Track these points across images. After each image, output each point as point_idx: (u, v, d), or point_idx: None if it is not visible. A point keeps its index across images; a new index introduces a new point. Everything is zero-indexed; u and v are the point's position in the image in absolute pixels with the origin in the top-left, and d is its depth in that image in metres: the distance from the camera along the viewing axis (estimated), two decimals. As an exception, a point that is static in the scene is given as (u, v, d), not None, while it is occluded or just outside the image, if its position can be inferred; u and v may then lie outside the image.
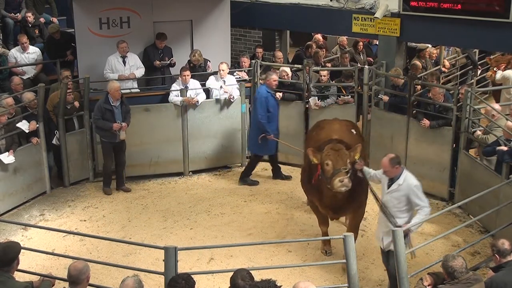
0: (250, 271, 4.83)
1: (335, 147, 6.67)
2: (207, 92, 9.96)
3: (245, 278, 4.63)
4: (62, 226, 8.26)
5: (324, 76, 10.14)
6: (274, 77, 9.29)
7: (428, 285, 5.18)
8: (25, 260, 6.63)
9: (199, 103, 9.70)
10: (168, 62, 10.42)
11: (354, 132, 7.80)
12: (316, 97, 9.98)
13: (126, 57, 10.02)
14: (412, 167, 9.27)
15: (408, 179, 6.22)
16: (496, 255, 5.33)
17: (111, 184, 9.36)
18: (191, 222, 8.45)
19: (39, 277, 5.19)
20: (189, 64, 10.45)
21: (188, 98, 9.56)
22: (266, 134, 9.25)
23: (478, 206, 7.99)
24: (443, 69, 12.56)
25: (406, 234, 5.78)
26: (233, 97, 9.88)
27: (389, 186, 6.25)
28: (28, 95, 8.94)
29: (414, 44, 12.10)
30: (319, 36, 13.17)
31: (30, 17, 11.42)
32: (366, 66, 10.57)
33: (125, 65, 10.02)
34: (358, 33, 10.90)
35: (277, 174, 9.89)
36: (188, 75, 9.66)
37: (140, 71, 10.19)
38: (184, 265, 6.87)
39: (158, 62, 10.33)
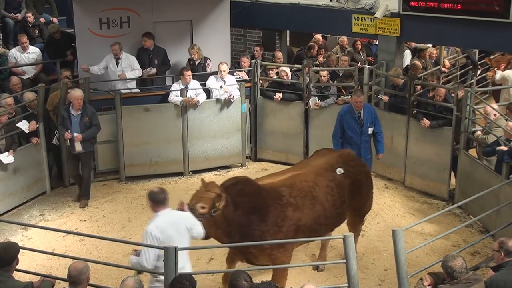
0: (250, 271, 4.83)
1: (207, 187, 5.83)
2: (207, 92, 9.96)
3: (247, 279, 4.64)
4: (62, 226, 8.26)
5: (324, 76, 10.14)
6: (355, 98, 8.26)
7: (428, 285, 5.18)
8: (25, 260, 6.64)
9: (200, 103, 9.70)
10: (149, 71, 10.17)
11: (340, 172, 6.65)
12: (316, 97, 9.98)
13: (120, 58, 9.99)
14: (412, 167, 9.32)
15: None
16: (502, 252, 5.32)
17: (88, 195, 8.98)
18: (191, 222, 8.43)
19: (39, 277, 5.18)
20: (189, 62, 10.45)
21: (188, 98, 9.56)
22: None
23: (478, 206, 7.99)
24: (443, 69, 12.56)
25: None
26: (233, 97, 9.88)
27: None
28: (29, 95, 8.94)
29: (415, 44, 12.13)
30: (319, 36, 13.18)
31: (30, 17, 11.41)
32: (367, 66, 10.58)
33: (117, 67, 10.00)
34: (358, 33, 10.90)
35: None
36: (189, 75, 9.66)
37: (134, 73, 10.10)
38: (184, 265, 6.87)
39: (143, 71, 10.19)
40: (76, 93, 8.46)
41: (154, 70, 10.27)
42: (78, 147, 8.58)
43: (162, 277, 5.01)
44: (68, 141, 8.55)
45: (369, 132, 8.35)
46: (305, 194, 6.26)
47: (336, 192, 6.51)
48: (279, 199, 6.09)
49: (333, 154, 6.96)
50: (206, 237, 5.71)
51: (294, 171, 6.56)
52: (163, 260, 4.85)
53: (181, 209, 5.57)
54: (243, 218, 5.90)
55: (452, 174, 9.05)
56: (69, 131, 8.48)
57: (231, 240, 5.93)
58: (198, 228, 5.47)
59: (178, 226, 5.29)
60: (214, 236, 5.90)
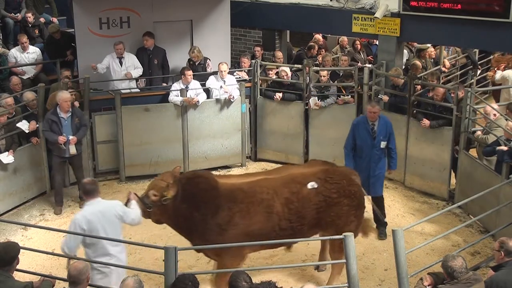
0: (250, 271, 4.84)
1: (162, 176, 6.14)
2: (207, 92, 9.96)
3: (247, 279, 4.64)
4: (62, 226, 8.25)
5: (324, 76, 10.14)
6: (369, 108, 7.89)
7: (428, 285, 5.18)
8: (25, 260, 6.64)
9: (200, 103, 9.70)
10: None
11: (312, 187, 6.32)
12: (316, 97, 9.98)
13: (123, 57, 10.01)
14: (412, 167, 9.32)
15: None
16: (502, 252, 5.32)
17: (62, 202, 8.81)
18: (191, 222, 8.43)
19: (39, 277, 5.18)
20: (189, 62, 10.46)
21: (188, 98, 9.56)
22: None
23: (478, 206, 7.99)
24: (443, 69, 12.56)
25: None
26: (233, 97, 9.88)
27: None
28: (28, 95, 8.93)
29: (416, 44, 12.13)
30: (319, 36, 13.18)
31: (30, 17, 11.42)
32: (367, 65, 10.57)
33: (121, 66, 10.02)
34: (358, 33, 10.90)
35: (376, 218, 8.00)
36: (190, 75, 9.66)
37: (137, 71, 10.17)
38: (184, 265, 6.88)
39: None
40: (65, 95, 8.26)
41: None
42: (73, 149, 8.47)
43: (106, 269, 5.47)
44: (63, 145, 8.35)
45: (381, 146, 7.85)
46: (260, 201, 6.14)
47: (295, 205, 6.21)
48: (231, 202, 6.08)
49: (318, 168, 6.57)
50: (158, 223, 6.23)
51: (265, 176, 6.51)
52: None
53: (129, 198, 5.88)
54: (188, 211, 6.04)
55: (452, 174, 9.05)
56: (63, 134, 8.35)
57: (181, 231, 6.30)
58: (131, 215, 5.68)
59: (106, 214, 5.51)
60: (167, 224, 6.29)
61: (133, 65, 10.12)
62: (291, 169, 6.71)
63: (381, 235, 8.01)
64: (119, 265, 5.55)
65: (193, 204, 6.06)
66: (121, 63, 10.02)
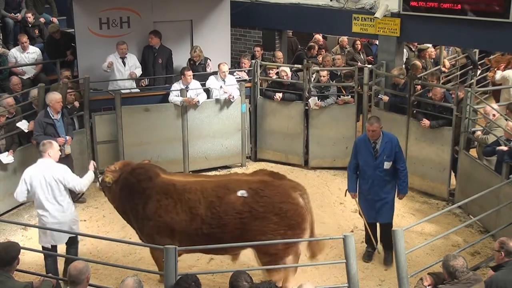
0: (251, 271, 4.84)
1: (116, 163, 6.74)
2: (207, 92, 9.97)
3: (247, 279, 4.65)
4: (62, 226, 8.25)
5: (324, 76, 10.13)
6: (367, 126, 7.17)
7: (428, 285, 5.18)
8: (25, 260, 6.64)
9: (200, 103, 9.70)
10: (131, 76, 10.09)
11: (241, 195, 6.10)
12: (316, 97, 9.98)
13: (126, 58, 10.03)
14: (412, 167, 9.31)
15: None
16: (502, 252, 5.32)
17: None
18: (191, 222, 8.43)
19: (39, 277, 5.19)
20: (189, 62, 10.46)
21: (188, 98, 9.57)
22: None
23: (478, 206, 7.99)
24: (443, 69, 12.56)
25: None
26: (233, 97, 9.88)
27: None
28: (34, 92, 8.87)
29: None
30: (319, 37, 13.18)
31: (30, 17, 11.43)
32: (367, 65, 10.58)
33: (125, 66, 10.04)
34: (358, 33, 10.90)
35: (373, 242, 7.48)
36: (191, 75, 9.66)
37: (138, 71, 10.21)
38: (184, 265, 6.88)
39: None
40: (57, 96, 8.09)
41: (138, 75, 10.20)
42: (68, 149, 8.41)
43: (43, 220, 6.48)
44: (61, 146, 8.15)
45: (385, 167, 7.05)
46: (186, 200, 6.17)
47: (217, 210, 6.10)
48: (160, 195, 6.24)
49: (258, 178, 6.32)
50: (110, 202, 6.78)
51: (205, 178, 6.55)
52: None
53: (90, 167, 6.72)
54: (124, 198, 6.48)
55: (452, 174, 9.05)
56: (61, 136, 8.20)
57: (121, 215, 6.75)
58: (72, 182, 6.46)
59: (46, 175, 6.37)
60: (113, 206, 6.83)
61: (134, 65, 10.16)
62: (233, 176, 6.65)
63: (386, 262, 7.32)
64: (117, 265, 5.56)
65: (128, 193, 6.42)
66: (124, 63, 10.04)
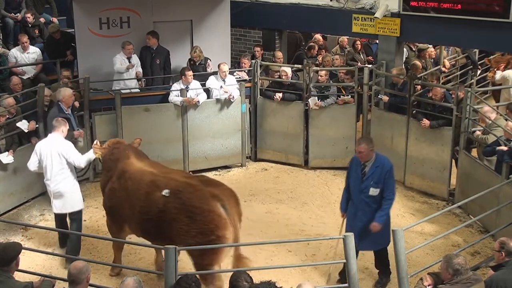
0: (250, 271, 4.84)
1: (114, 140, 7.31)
2: (207, 92, 9.97)
3: (247, 279, 4.65)
4: (62, 226, 8.26)
5: (322, 76, 10.12)
6: (356, 147, 6.72)
7: (428, 285, 5.18)
8: (25, 260, 6.63)
9: (200, 103, 9.70)
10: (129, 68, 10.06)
11: (165, 194, 6.19)
12: (316, 97, 9.98)
13: (131, 57, 10.06)
14: (412, 167, 9.32)
15: None
16: (503, 252, 5.33)
17: None
18: (191, 222, 8.43)
19: (39, 277, 5.19)
20: (189, 62, 10.46)
21: (188, 98, 9.57)
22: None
23: (478, 206, 7.99)
24: (443, 69, 12.57)
25: None
26: (233, 97, 9.88)
27: None
28: (9, 100, 8.62)
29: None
30: (319, 36, 13.17)
31: (30, 17, 11.42)
32: (367, 65, 10.57)
33: (122, 66, 10.04)
34: (358, 33, 10.91)
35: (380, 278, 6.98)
36: (191, 75, 9.66)
37: (140, 71, 10.26)
38: (184, 265, 6.87)
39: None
40: (68, 91, 8.29)
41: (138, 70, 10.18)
42: (81, 142, 8.72)
43: (51, 188, 7.15)
44: (77, 139, 8.53)
45: (371, 193, 6.43)
46: (126, 188, 6.53)
47: (144, 205, 6.31)
48: (117, 177, 6.67)
49: (187, 180, 6.36)
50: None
51: (156, 170, 6.61)
52: None
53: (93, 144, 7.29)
54: (105, 173, 6.99)
55: (453, 174, 9.05)
56: (78, 129, 8.56)
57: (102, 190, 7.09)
58: (73, 158, 7.12)
59: (53, 149, 7.09)
60: None
61: (137, 64, 10.20)
62: (174, 173, 6.61)
63: (376, 284, 6.91)
64: (117, 265, 5.55)
65: (106, 168, 6.98)
66: (129, 63, 10.07)
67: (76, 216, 7.43)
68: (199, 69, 10.37)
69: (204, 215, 6.00)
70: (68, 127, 7.42)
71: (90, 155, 7.19)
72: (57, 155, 7.09)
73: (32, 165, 7.23)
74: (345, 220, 6.83)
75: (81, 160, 7.18)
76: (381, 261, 6.88)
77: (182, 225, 6.05)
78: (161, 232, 6.23)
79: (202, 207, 6.02)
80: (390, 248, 5.74)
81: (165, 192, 6.18)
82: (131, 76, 10.10)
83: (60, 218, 7.46)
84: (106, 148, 7.02)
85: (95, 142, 7.26)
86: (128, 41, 10.05)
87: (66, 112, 8.30)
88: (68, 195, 7.25)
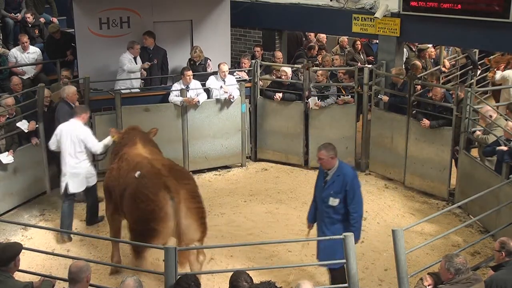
0: (250, 271, 4.84)
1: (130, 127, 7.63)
2: (207, 92, 9.97)
3: (247, 280, 4.65)
4: (62, 226, 8.26)
5: (319, 75, 10.10)
6: (317, 154, 6.24)
7: (428, 285, 5.18)
8: (25, 260, 6.63)
9: (200, 103, 9.70)
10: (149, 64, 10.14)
11: (137, 175, 6.44)
12: (316, 97, 9.97)
13: (136, 57, 10.08)
14: (412, 167, 9.33)
15: None
16: (503, 252, 5.33)
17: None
18: (191, 222, 8.43)
19: (39, 277, 5.19)
20: (189, 62, 10.46)
21: (188, 98, 9.57)
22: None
23: (478, 206, 7.99)
24: (443, 69, 12.56)
25: None
26: (233, 97, 9.88)
27: None
28: (8, 100, 8.66)
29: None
30: (322, 35, 13.05)
31: (30, 17, 11.41)
32: (367, 65, 10.57)
33: (137, 65, 10.10)
34: (358, 33, 10.90)
35: None
36: (190, 75, 9.66)
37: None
38: (184, 265, 6.88)
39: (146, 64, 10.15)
40: (73, 89, 8.55)
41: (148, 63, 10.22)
42: None
43: (66, 169, 7.72)
44: None
45: (331, 203, 6.10)
46: (120, 168, 6.83)
47: (120, 182, 6.70)
48: (119, 158, 6.99)
49: (157, 167, 6.45)
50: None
51: (148, 156, 6.85)
52: None
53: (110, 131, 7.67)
54: (113, 153, 7.33)
55: (453, 174, 9.05)
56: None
57: None
58: (90, 144, 7.71)
59: (71, 133, 7.67)
60: None
61: (140, 64, 10.21)
62: (159, 160, 6.76)
63: None
64: (117, 265, 5.56)
65: (114, 152, 7.33)
66: (136, 63, 10.09)
67: (92, 189, 8.10)
68: (199, 69, 10.37)
69: (147, 204, 6.13)
70: (89, 114, 8.14)
71: (107, 141, 7.71)
72: (76, 139, 7.66)
73: (52, 145, 7.86)
74: (310, 231, 6.62)
75: (98, 146, 7.76)
76: (334, 281, 6.33)
77: (128, 207, 6.41)
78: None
79: (148, 195, 6.15)
80: (390, 248, 5.72)
81: (137, 174, 6.43)
82: (137, 75, 10.11)
83: (70, 199, 7.94)
84: (121, 132, 7.47)
85: (112, 131, 7.67)
86: (135, 41, 10.07)
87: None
88: (82, 176, 7.82)
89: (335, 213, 6.13)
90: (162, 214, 6.08)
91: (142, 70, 10.16)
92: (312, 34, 12.79)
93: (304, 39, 13.11)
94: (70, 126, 7.73)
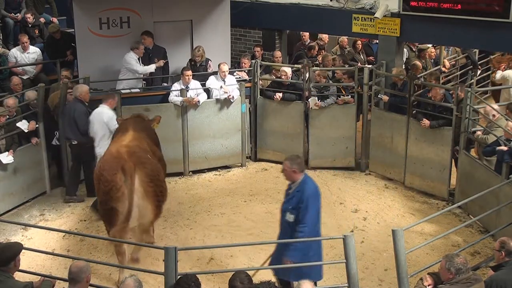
0: (250, 271, 4.84)
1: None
2: (207, 92, 9.97)
3: (243, 280, 4.63)
4: (62, 226, 8.26)
5: (317, 75, 10.10)
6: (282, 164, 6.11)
7: (428, 285, 5.18)
8: (25, 260, 6.63)
9: (200, 103, 9.70)
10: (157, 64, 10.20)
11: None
12: (316, 97, 9.97)
13: (140, 57, 10.09)
14: (412, 167, 9.32)
15: None
16: (503, 252, 5.33)
17: None
18: (191, 222, 8.45)
19: (39, 277, 5.19)
20: (190, 63, 10.45)
21: (188, 98, 9.57)
22: None
23: (478, 206, 8.00)
24: (443, 69, 12.55)
25: None
26: (233, 97, 9.88)
27: None
28: (30, 94, 8.95)
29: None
30: (324, 35, 12.96)
31: (30, 17, 11.42)
32: (367, 66, 10.56)
33: (141, 65, 10.10)
34: (358, 33, 10.90)
35: None
36: (190, 75, 9.66)
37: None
38: (184, 265, 6.88)
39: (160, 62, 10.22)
40: (86, 88, 8.85)
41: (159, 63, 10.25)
42: None
43: (97, 150, 8.32)
44: None
45: (286, 218, 5.88)
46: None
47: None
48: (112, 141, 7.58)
49: (122, 150, 6.82)
50: None
51: (133, 141, 7.14)
52: None
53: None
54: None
55: (453, 174, 9.04)
56: None
57: None
58: (113, 128, 8.20)
59: (101, 117, 8.40)
60: None
61: (152, 65, 10.24)
62: (134, 145, 7.07)
63: None
64: (117, 265, 5.56)
65: (113, 137, 7.78)
66: (140, 64, 10.10)
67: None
68: (199, 70, 10.36)
69: (105, 185, 6.53)
70: (116, 99, 8.76)
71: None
72: (102, 123, 8.31)
73: (90, 130, 8.47)
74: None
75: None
76: None
77: (96, 189, 6.79)
78: None
79: (107, 177, 6.52)
80: (390, 248, 5.72)
81: None
82: (140, 75, 10.13)
83: None
84: (122, 119, 7.99)
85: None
86: (139, 41, 10.07)
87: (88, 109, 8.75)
88: None
89: (290, 228, 5.88)
90: (119, 194, 6.47)
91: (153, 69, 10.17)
92: (307, 34, 12.73)
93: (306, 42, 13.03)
94: (98, 111, 8.43)
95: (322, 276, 6.10)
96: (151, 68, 10.07)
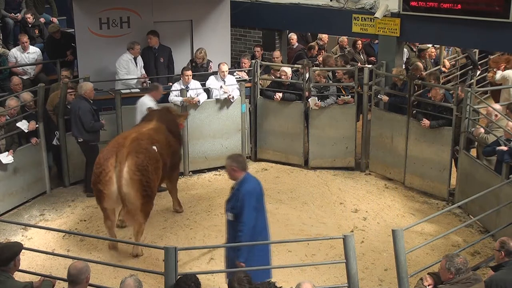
0: (250, 272, 4.84)
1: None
2: (207, 92, 9.97)
3: (241, 281, 4.63)
4: (62, 226, 8.26)
5: (316, 75, 10.09)
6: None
7: (428, 285, 5.18)
8: (25, 260, 6.64)
9: (201, 103, 9.71)
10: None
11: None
12: (316, 97, 9.97)
13: (137, 58, 10.08)
14: (412, 167, 9.33)
15: None
16: (503, 252, 5.33)
17: None
18: (191, 222, 8.45)
19: (39, 277, 5.19)
20: (191, 64, 10.45)
21: (188, 98, 9.57)
22: None
23: (478, 206, 8.00)
24: (443, 69, 12.55)
25: None
26: (233, 97, 9.88)
27: None
28: (25, 96, 8.90)
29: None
30: (324, 35, 12.93)
31: (30, 17, 11.41)
32: (367, 66, 10.55)
33: (137, 66, 10.09)
34: (358, 33, 10.90)
35: None
36: (189, 75, 9.66)
37: (142, 70, 10.30)
38: (184, 265, 6.88)
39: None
40: (90, 85, 8.90)
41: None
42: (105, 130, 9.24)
43: None
44: (98, 132, 8.98)
45: (228, 217, 5.90)
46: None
47: None
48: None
49: (129, 137, 7.44)
50: None
51: (148, 131, 7.81)
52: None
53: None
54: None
55: (453, 174, 9.05)
56: (101, 119, 9.02)
57: None
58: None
59: (142, 107, 8.77)
60: None
61: (141, 65, 10.22)
62: (143, 133, 7.70)
63: None
64: (117, 265, 5.55)
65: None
66: (136, 64, 10.10)
67: None
68: (200, 71, 10.36)
69: (97, 167, 7.18)
70: (160, 91, 9.02)
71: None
72: (143, 112, 8.59)
73: (137, 117, 8.76)
74: None
75: None
76: None
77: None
78: None
79: (100, 160, 7.18)
80: (390, 248, 5.72)
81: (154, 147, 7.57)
82: (138, 75, 10.12)
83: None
84: (152, 110, 8.44)
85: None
86: (135, 41, 10.06)
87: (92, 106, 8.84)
88: None
89: (232, 227, 5.86)
90: (107, 178, 7.06)
91: (143, 70, 10.16)
92: (294, 38, 12.48)
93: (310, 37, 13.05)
94: (141, 101, 8.83)
95: (270, 276, 5.97)
96: (133, 71, 10.08)
